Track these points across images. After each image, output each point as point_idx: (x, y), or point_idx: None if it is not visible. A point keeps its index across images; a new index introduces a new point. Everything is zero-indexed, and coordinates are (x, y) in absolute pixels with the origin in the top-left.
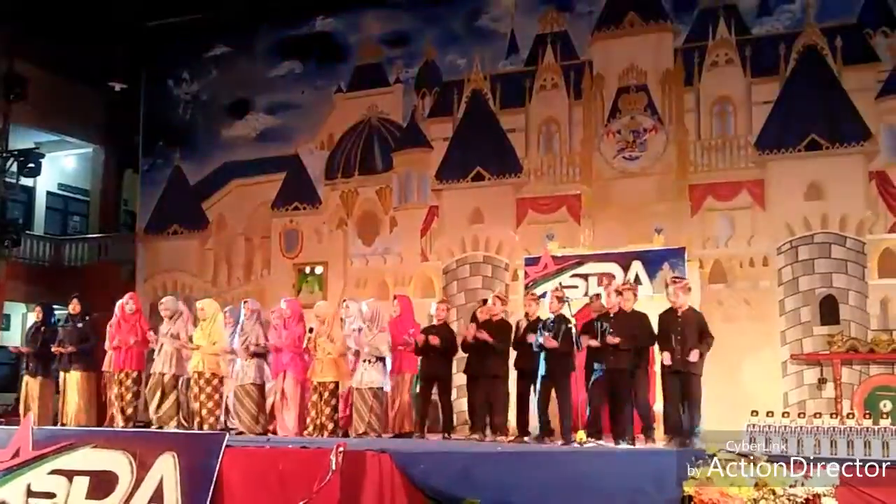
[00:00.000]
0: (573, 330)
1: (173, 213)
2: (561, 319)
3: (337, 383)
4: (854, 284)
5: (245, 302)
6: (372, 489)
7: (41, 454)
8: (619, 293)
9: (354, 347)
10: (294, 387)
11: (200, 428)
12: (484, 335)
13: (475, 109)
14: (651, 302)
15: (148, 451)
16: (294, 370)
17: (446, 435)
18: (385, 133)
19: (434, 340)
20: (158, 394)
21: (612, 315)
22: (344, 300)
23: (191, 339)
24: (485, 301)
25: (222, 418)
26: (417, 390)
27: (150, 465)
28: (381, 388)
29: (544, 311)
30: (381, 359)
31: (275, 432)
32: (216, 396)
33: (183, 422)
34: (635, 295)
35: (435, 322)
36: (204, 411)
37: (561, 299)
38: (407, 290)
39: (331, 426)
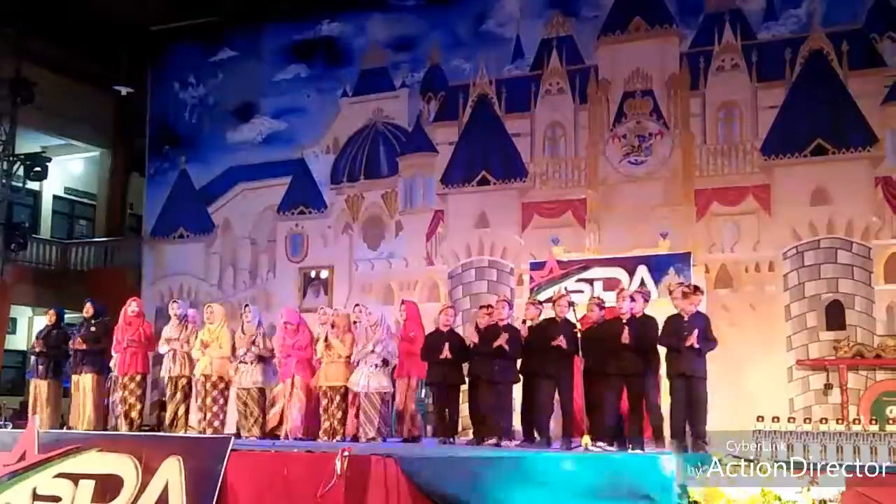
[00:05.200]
0: (578, 334)
1: (179, 216)
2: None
3: (346, 387)
4: (860, 290)
5: (247, 306)
6: (377, 493)
7: (47, 457)
8: (632, 299)
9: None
10: (301, 391)
11: (205, 431)
12: (503, 343)
13: (481, 114)
14: (656, 307)
15: (153, 454)
16: (302, 374)
17: (451, 440)
18: (390, 137)
19: (445, 353)
20: (169, 396)
21: (623, 321)
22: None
23: (189, 342)
24: (483, 306)
25: (228, 421)
26: (423, 395)
27: (155, 468)
28: (388, 393)
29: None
30: (387, 363)
31: (281, 437)
32: (221, 400)
33: (194, 425)
34: (646, 300)
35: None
36: (209, 414)
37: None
38: (412, 294)
39: (342, 430)
